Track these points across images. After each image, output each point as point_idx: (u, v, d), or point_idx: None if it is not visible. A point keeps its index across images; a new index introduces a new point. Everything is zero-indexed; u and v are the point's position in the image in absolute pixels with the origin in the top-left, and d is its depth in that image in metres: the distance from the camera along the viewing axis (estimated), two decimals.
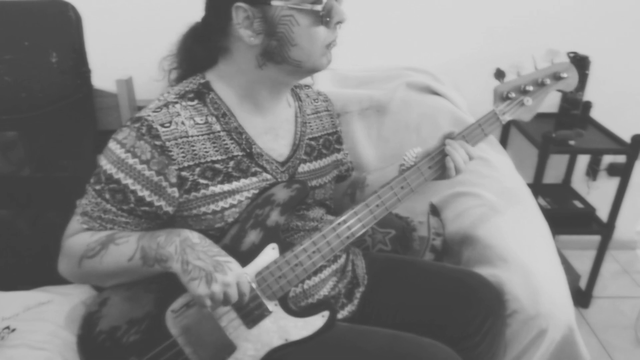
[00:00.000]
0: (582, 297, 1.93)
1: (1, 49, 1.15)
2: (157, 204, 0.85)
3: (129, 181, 0.83)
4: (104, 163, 0.85)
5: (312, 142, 1.02)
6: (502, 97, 1.01)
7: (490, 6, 1.75)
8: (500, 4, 1.75)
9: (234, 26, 0.83)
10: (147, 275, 0.85)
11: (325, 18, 0.84)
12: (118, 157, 0.83)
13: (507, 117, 1.01)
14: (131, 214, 0.86)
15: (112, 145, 0.85)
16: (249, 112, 0.92)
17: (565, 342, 1.04)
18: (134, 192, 0.83)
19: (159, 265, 0.82)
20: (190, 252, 0.81)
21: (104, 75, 1.30)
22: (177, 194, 0.85)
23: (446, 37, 1.79)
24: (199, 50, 0.90)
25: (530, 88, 1.01)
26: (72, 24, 1.18)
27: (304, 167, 0.99)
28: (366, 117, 1.56)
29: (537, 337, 1.02)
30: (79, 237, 0.87)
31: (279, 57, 0.85)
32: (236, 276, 0.82)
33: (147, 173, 0.83)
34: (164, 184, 0.84)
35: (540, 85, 1.02)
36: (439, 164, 0.97)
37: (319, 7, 0.82)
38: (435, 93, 1.57)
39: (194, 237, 0.83)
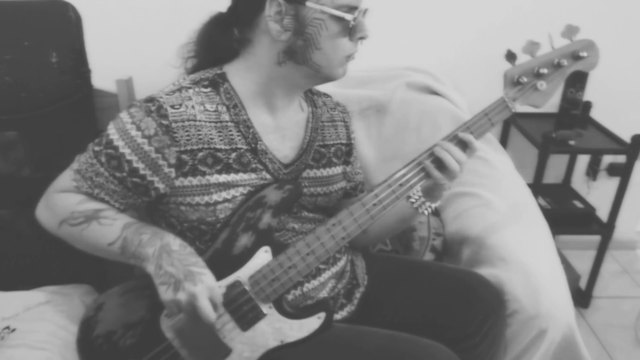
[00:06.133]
0: (582, 297, 1.93)
1: (1, 49, 1.15)
2: (149, 178, 0.85)
3: (126, 150, 0.84)
4: (110, 127, 0.87)
5: (323, 149, 1.01)
6: (512, 82, 0.91)
7: (489, 5, 1.75)
8: (499, 3, 1.75)
9: (264, 18, 0.84)
10: (122, 261, 0.86)
11: (352, 30, 0.86)
12: (124, 126, 0.85)
13: (517, 104, 0.92)
14: (121, 183, 0.86)
15: (123, 114, 0.87)
16: (260, 109, 0.93)
17: (565, 342, 1.04)
18: (129, 162, 0.84)
19: (135, 261, 0.84)
20: (166, 257, 0.82)
21: (104, 75, 1.30)
22: (173, 175, 0.86)
23: (445, 37, 1.79)
24: (222, 40, 0.91)
25: (545, 71, 0.90)
26: (72, 24, 1.18)
27: (309, 173, 0.98)
28: (366, 117, 1.56)
29: (537, 337, 1.02)
30: (66, 197, 0.88)
31: (301, 57, 0.87)
32: (207, 289, 0.81)
33: (146, 148, 0.84)
34: (161, 162, 0.84)
35: (556, 66, 0.91)
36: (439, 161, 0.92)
37: (350, 17, 0.84)
38: (435, 93, 1.58)
39: (175, 244, 0.84)
